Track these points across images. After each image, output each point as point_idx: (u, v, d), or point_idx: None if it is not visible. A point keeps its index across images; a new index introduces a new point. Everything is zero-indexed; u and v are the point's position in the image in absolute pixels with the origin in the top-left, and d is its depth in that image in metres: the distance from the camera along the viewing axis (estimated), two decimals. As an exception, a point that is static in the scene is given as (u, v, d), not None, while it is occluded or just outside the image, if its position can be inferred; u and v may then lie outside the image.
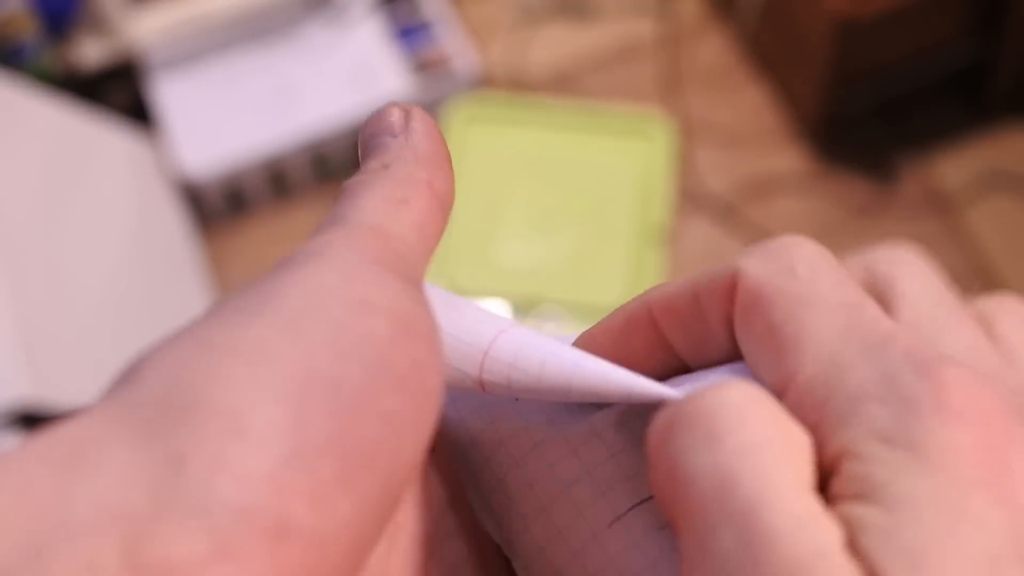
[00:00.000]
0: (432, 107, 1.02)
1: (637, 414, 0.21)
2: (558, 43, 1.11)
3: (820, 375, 0.18)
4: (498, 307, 0.91)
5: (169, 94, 1.02)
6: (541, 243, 0.96)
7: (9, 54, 0.96)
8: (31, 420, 0.71)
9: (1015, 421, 0.17)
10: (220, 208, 1.02)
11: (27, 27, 0.96)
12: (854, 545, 0.16)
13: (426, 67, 1.04)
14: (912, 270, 0.23)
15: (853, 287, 0.20)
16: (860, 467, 0.17)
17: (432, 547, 0.21)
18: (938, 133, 1.03)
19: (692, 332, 0.21)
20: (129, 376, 0.17)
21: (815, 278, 0.19)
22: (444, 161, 0.22)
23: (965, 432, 0.17)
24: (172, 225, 0.97)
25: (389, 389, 0.17)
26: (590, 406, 0.21)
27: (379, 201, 0.20)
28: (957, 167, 1.01)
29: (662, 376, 0.21)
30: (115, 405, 0.16)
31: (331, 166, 1.04)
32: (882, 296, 0.23)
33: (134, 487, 0.15)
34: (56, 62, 0.98)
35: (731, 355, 0.21)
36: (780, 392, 0.19)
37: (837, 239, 0.97)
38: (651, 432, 0.18)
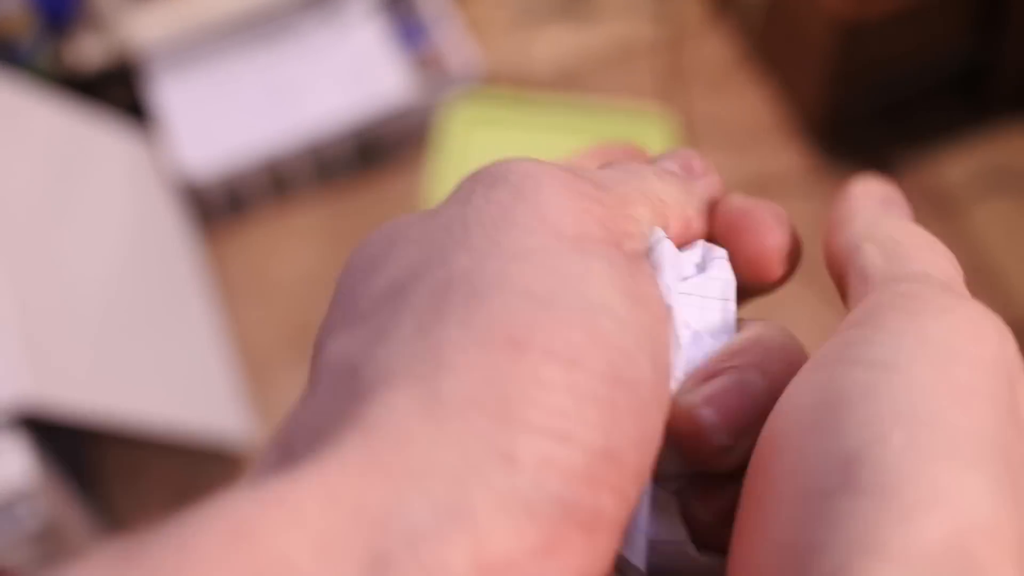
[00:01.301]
0: (432, 106, 1.02)
1: None
2: (558, 42, 1.11)
3: None
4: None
5: (169, 94, 1.01)
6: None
7: (7, 53, 0.95)
8: (32, 420, 0.71)
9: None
10: (220, 208, 1.02)
11: (26, 26, 0.96)
12: None
13: (426, 66, 1.04)
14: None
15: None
16: None
17: None
18: (940, 133, 1.03)
19: None
20: (438, 365, 0.17)
21: None
22: None
23: None
24: (172, 225, 0.97)
25: (664, 383, 0.19)
26: None
27: None
28: (959, 166, 1.01)
29: None
30: (429, 401, 0.16)
31: (331, 166, 1.03)
32: None
33: (470, 488, 0.16)
34: (55, 61, 0.98)
35: None
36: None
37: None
38: None
